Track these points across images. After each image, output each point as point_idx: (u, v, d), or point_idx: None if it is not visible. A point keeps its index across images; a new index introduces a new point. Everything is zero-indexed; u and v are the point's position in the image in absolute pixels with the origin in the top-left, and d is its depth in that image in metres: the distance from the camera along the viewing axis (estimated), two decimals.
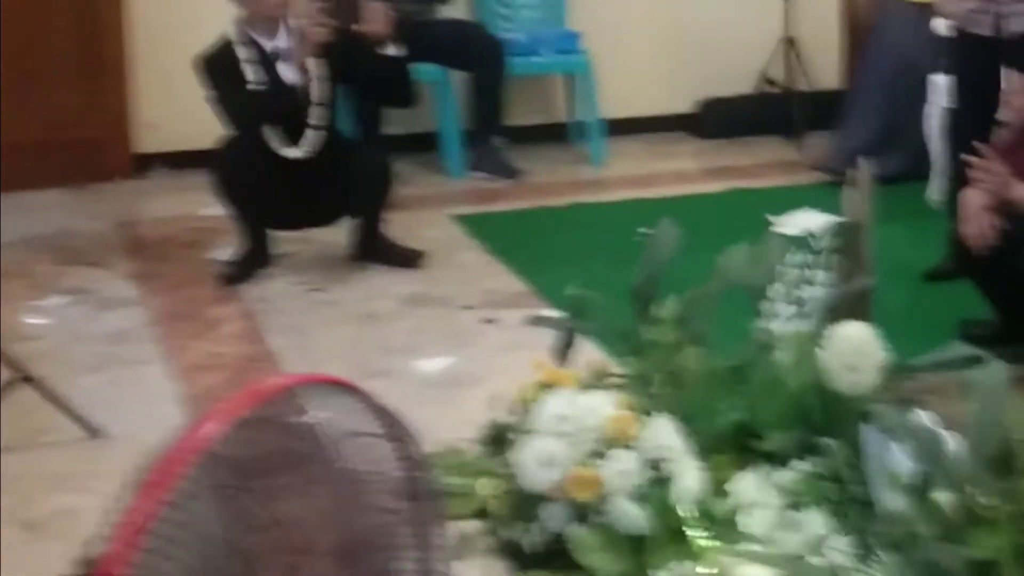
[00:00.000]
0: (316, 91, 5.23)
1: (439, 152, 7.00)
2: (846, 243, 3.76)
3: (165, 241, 5.83)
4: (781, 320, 3.60)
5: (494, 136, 6.84)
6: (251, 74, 5.18)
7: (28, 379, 3.98)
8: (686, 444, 3.26)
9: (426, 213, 6.17)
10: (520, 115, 7.23)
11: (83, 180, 6.52)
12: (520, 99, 7.22)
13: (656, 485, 3.23)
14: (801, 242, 3.92)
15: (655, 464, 3.23)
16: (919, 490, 2.96)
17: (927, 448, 2.94)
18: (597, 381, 3.56)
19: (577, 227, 6.12)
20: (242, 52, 5.20)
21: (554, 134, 7.39)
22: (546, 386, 3.49)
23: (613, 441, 3.28)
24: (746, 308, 3.76)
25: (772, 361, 3.47)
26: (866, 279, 3.66)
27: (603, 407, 3.36)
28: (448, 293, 5.19)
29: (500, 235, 5.92)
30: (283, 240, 5.55)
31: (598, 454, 3.27)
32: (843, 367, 3.31)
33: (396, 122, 6.76)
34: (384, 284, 5.30)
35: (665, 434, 3.27)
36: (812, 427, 3.38)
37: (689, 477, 3.21)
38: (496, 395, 3.57)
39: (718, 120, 7.57)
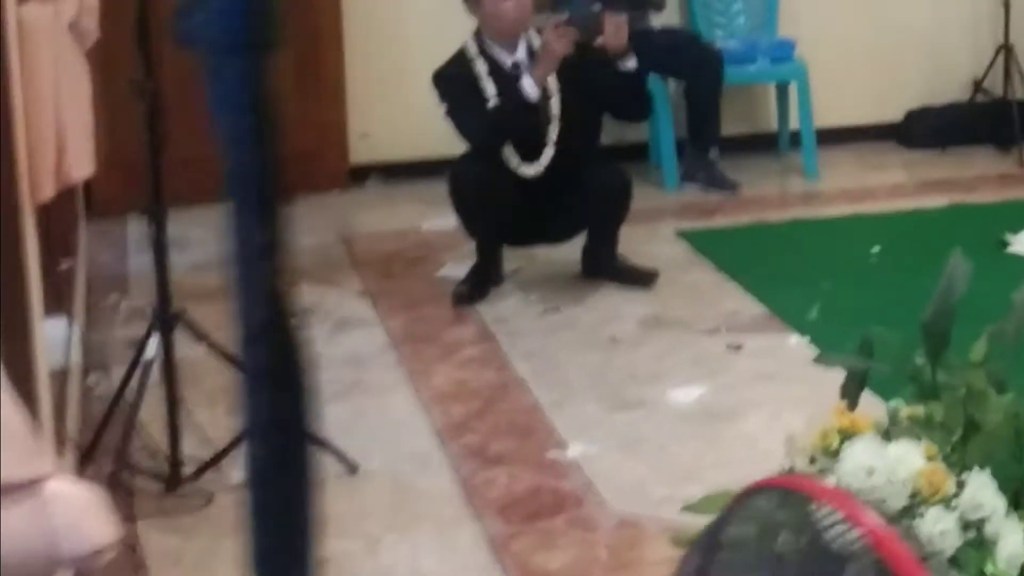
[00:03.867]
0: (554, 106, 5.12)
1: (649, 163, 6.87)
2: None
3: (391, 256, 5.75)
4: None
5: (710, 147, 6.68)
6: (489, 89, 5.08)
7: None
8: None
9: (646, 228, 6.02)
10: (729, 124, 7.07)
11: (299, 191, 6.45)
12: (728, 108, 7.06)
13: (973, 547, 3.07)
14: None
15: (974, 524, 3.07)
16: None
17: None
18: (895, 427, 3.40)
19: (799, 244, 5.97)
20: (480, 66, 5.11)
21: (763, 144, 7.22)
22: (846, 433, 3.34)
23: (925, 497, 3.12)
24: None
25: None
26: None
27: (911, 458, 3.20)
28: (686, 315, 5.06)
29: (725, 252, 5.77)
30: (511, 256, 5.45)
31: (908, 510, 3.11)
32: None
33: (608, 132, 6.62)
34: (619, 304, 5.17)
35: (985, 492, 3.10)
36: None
37: (1013, 540, 3.04)
38: (792, 438, 3.41)
39: (928, 129, 7.35)
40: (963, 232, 6.03)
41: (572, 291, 5.29)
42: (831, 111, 7.19)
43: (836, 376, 3.65)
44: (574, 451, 4.01)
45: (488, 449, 4.05)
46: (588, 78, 5.12)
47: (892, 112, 7.43)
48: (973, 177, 6.86)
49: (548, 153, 5.14)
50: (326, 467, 3.90)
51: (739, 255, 5.72)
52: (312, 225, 6.14)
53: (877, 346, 3.63)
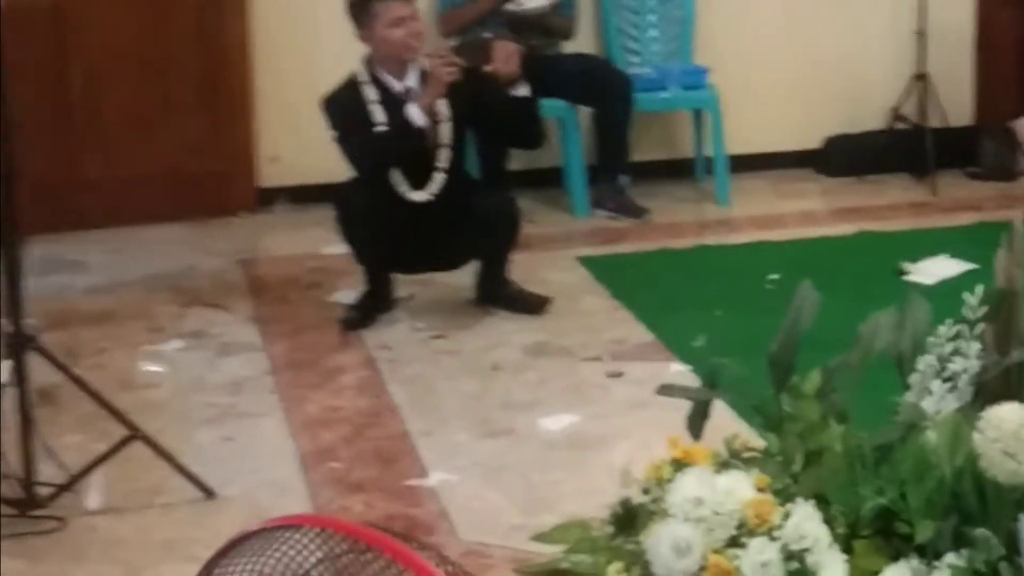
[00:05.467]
0: (444, 133, 5.12)
1: (563, 188, 6.87)
2: (997, 310, 3.54)
3: (287, 281, 5.75)
4: (935, 397, 3.41)
5: (620, 174, 6.69)
6: (378, 115, 5.08)
7: (135, 436, 3.89)
8: (830, 533, 3.09)
9: (550, 254, 6.05)
10: (644, 151, 7.10)
11: (206, 214, 6.47)
12: (645, 134, 7.09)
13: None
14: (953, 309, 3.72)
15: (797, 555, 3.07)
16: None
17: None
18: (734, 458, 3.40)
19: (703, 270, 5.99)
20: (369, 92, 5.11)
21: (678, 170, 7.24)
22: (680, 463, 3.34)
23: (752, 528, 3.12)
24: (893, 378, 3.58)
25: (922, 443, 3.29)
26: (1022, 352, 3.46)
27: (741, 489, 3.20)
28: (573, 343, 5.06)
29: (625, 278, 5.78)
30: (406, 283, 5.45)
31: (736, 541, 3.12)
32: (999, 453, 3.12)
33: (520, 158, 6.65)
34: (508, 332, 5.17)
35: (809, 523, 3.10)
36: (966, 516, 3.21)
37: (834, 571, 3.04)
38: (627, 470, 3.41)
39: (846, 157, 7.38)
40: (866, 260, 6.08)
41: (462, 318, 5.29)
42: (749, 138, 7.22)
43: (717, 406, 3.65)
44: (434, 479, 4.01)
45: (349, 477, 4.05)
46: (479, 105, 5.12)
47: (811, 140, 7.46)
48: (885, 205, 6.89)
49: (438, 180, 5.14)
50: (181, 492, 3.90)
51: (636, 282, 5.73)
52: (214, 248, 6.15)
53: (723, 377, 3.64)
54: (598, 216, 6.64)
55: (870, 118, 7.38)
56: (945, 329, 3.48)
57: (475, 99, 5.12)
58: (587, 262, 5.97)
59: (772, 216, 6.71)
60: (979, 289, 3.54)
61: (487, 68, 5.10)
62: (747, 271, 5.90)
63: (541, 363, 4.89)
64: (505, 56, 5.10)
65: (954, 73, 7.46)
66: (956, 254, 5.90)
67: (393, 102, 5.11)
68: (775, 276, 5.76)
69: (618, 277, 5.78)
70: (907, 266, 5.80)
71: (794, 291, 5.72)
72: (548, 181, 6.88)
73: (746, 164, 7.20)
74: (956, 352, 3.47)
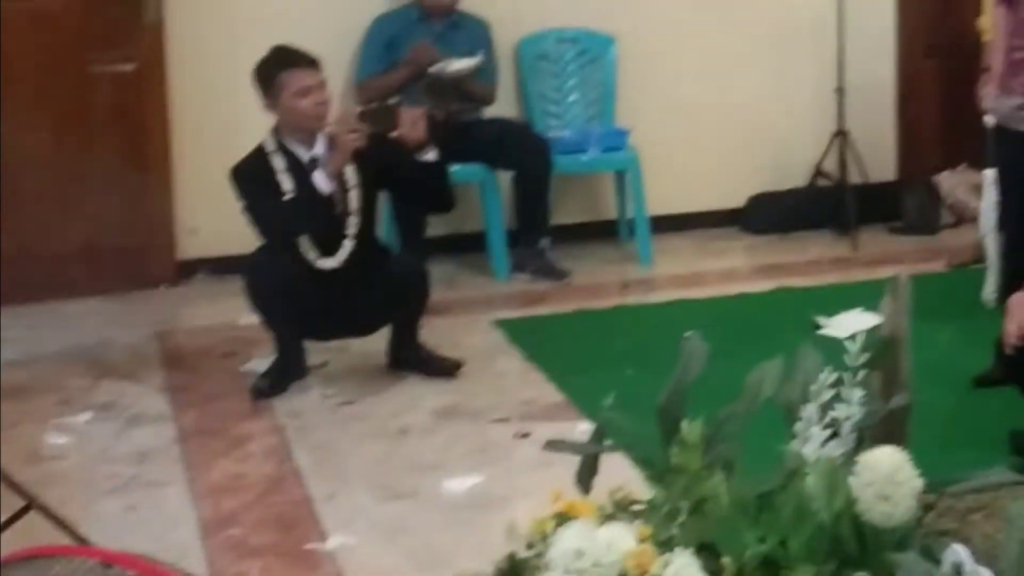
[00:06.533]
0: (352, 200, 5.14)
1: (485, 252, 6.90)
2: (882, 357, 3.58)
3: (202, 352, 5.75)
4: (814, 443, 3.43)
5: (541, 237, 6.73)
6: (286, 184, 5.10)
7: (32, 506, 3.86)
8: None
9: (468, 318, 6.08)
10: (568, 213, 7.16)
11: (127, 288, 6.47)
12: (568, 196, 7.15)
13: None
14: (835, 357, 3.75)
15: None
16: None
17: None
18: (620, 511, 3.41)
19: (619, 330, 6.01)
20: (277, 161, 5.13)
21: (603, 231, 7.30)
22: (564, 517, 3.35)
23: None
24: (783, 428, 3.60)
25: (802, 489, 3.31)
26: (902, 398, 3.48)
27: (622, 541, 3.20)
28: (483, 405, 5.07)
29: (541, 340, 5.81)
30: (320, 349, 5.45)
31: None
32: (875, 496, 3.14)
33: (443, 223, 6.68)
34: (418, 396, 5.18)
35: (687, 571, 3.11)
36: (847, 560, 3.22)
37: None
38: (513, 525, 3.41)
39: (768, 215, 7.45)
40: (783, 315, 6.11)
41: (374, 383, 5.29)
42: (673, 198, 7.28)
43: (616, 460, 3.66)
44: (333, 543, 4.00)
45: (248, 542, 4.04)
46: (387, 170, 5.15)
47: (734, 198, 7.52)
48: (806, 261, 6.95)
49: (347, 247, 5.15)
50: (80, 562, 3.87)
51: (551, 343, 5.76)
52: (132, 321, 6.15)
53: (614, 431, 3.65)
54: (519, 280, 6.67)
55: (794, 175, 7.46)
56: (825, 376, 3.51)
57: (383, 165, 5.15)
58: (503, 325, 5.99)
59: (693, 275, 6.75)
60: (860, 336, 3.58)
61: (394, 134, 5.12)
62: (664, 330, 5.88)
63: (450, 426, 4.90)
64: (411, 121, 5.13)
65: (876, 129, 7.56)
66: (874, 308, 5.91)
67: (301, 170, 5.13)
68: (689, 334, 5.77)
69: (533, 339, 5.80)
70: (821, 320, 5.82)
71: (710, 348, 5.78)
72: (470, 246, 6.91)
73: (671, 224, 7.26)
74: (838, 399, 3.50)
